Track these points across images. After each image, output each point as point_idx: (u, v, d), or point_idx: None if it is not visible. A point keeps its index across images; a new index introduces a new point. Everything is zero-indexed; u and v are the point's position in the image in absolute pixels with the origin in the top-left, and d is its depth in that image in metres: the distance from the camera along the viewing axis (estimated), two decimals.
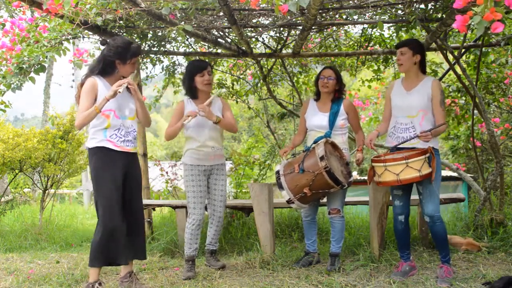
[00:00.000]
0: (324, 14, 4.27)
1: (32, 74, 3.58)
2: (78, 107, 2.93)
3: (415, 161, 2.89)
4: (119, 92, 2.83)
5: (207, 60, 3.57)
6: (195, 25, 4.04)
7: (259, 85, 6.50)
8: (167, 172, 6.44)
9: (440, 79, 5.42)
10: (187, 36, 4.67)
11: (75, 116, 5.74)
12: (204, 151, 3.40)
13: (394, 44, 3.42)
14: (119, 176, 2.93)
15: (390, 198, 3.57)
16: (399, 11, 4.07)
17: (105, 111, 2.90)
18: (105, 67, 2.95)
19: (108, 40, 3.05)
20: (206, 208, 3.58)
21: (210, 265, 3.59)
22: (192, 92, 3.44)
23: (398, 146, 3.12)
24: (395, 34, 5.03)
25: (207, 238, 3.66)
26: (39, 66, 3.57)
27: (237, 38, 4.55)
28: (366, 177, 8.22)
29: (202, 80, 3.37)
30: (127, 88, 3.03)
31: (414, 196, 3.27)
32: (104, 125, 2.92)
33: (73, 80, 10.88)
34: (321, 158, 3.11)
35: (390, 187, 3.23)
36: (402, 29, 4.25)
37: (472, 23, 1.73)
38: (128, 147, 3.00)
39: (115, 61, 2.93)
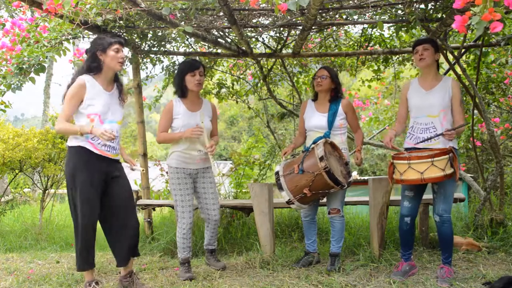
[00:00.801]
0: (324, 14, 4.27)
1: (32, 75, 3.57)
2: (61, 111, 2.88)
3: (440, 160, 2.84)
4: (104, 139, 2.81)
5: (201, 61, 3.51)
6: (195, 25, 4.04)
7: (259, 85, 6.51)
8: (167, 172, 6.42)
9: None
10: (187, 36, 4.67)
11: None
12: (190, 154, 3.34)
13: (413, 41, 3.36)
14: (97, 179, 2.87)
15: (391, 198, 3.57)
16: (399, 11, 4.07)
17: (90, 115, 2.86)
18: (90, 63, 2.91)
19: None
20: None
21: (211, 265, 3.58)
22: (182, 90, 3.38)
23: (417, 145, 3.10)
24: (395, 34, 5.03)
25: (205, 239, 3.64)
26: (39, 66, 3.56)
27: (237, 38, 4.55)
28: (366, 177, 8.23)
29: (193, 80, 3.32)
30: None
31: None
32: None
33: None
34: (321, 159, 3.11)
35: (402, 188, 3.20)
36: (402, 29, 4.25)
37: (472, 24, 1.73)
38: (109, 152, 2.93)
39: (96, 53, 2.89)
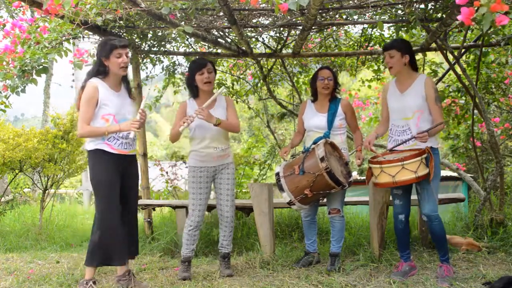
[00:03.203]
0: (324, 14, 4.27)
1: (34, 76, 3.57)
2: (80, 114, 2.95)
3: (411, 163, 2.87)
4: (134, 130, 2.93)
5: (208, 59, 3.50)
6: (195, 25, 4.04)
7: (259, 85, 6.51)
8: (167, 172, 6.44)
9: (440, 79, 5.42)
10: (187, 36, 4.67)
11: (75, 117, 5.75)
12: (206, 152, 3.34)
13: (413, 41, 3.34)
14: (116, 178, 2.99)
15: (390, 198, 3.58)
16: (399, 11, 4.07)
17: (104, 115, 2.96)
18: (98, 68, 3.00)
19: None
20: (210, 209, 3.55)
21: (220, 270, 3.48)
22: (193, 91, 3.40)
23: (394, 148, 3.11)
24: (395, 34, 5.03)
25: (219, 240, 3.55)
26: (41, 67, 3.56)
27: (237, 38, 4.55)
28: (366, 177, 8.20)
29: (201, 79, 3.32)
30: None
31: (414, 196, 3.27)
32: None
33: (73, 80, 10.86)
34: (322, 159, 3.10)
35: (391, 188, 3.23)
36: (402, 29, 4.25)
37: (479, 15, 1.71)
38: (126, 150, 3.04)
39: (102, 59, 2.97)
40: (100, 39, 3.49)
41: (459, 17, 1.83)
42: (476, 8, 1.74)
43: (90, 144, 2.99)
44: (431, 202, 3.04)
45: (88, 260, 2.99)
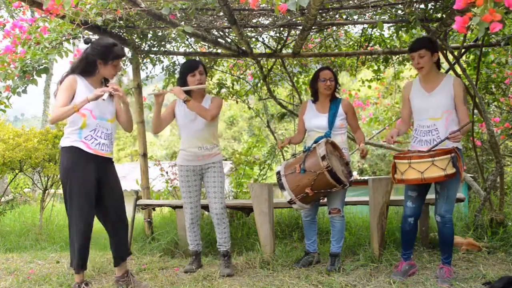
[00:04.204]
0: (324, 14, 4.27)
1: (34, 76, 3.57)
2: (55, 102, 2.89)
3: (441, 160, 2.79)
4: (103, 99, 2.78)
5: (200, 60, 3.54)
6: (195, 25, 4.04)
7: (259, 85, 6.51)
8: (167, 172, 6.42)
9: None
10: (187, 36, 4.67)
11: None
12: (191, 151, 3.43)
13: (408, 46, 3.25)
14: (90, 179, 2.87)
15: (390, 198, 3.58)
16: (399, 11, 4.07)
17: (81, 110, 2.83)
18: (86, 66, 2.91)
19: (92, 40, 3.05)
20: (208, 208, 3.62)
21: (219, 270, 3.48)
22: (185, 92, 3.40)
23: (432, 149, 2.97)
24: (395, 34, 5.03)
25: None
26: (41, 68, 3.55)
27: (237, 38, 4.55)
28: (366, 177, 8.22)
29: (193, 80, 3.36)
30: (109, 93, 2.97)
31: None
32: (79, 124, 2.87)
33: None
34: (323, 158, 3.11)
35: (405, 188, 3.18)
36: (402, 29, 4.25)
37: (472, 24, 1.73)
38: (103, 151, 2.93)
39: (97, 60, 2.89)
40: (98, 38, 3.45)
41: (454, 26, 1.84)
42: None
43: (65, 141, 2.89)
44: (449, 204, 3.01)
45: (71, 262, 2.99)
